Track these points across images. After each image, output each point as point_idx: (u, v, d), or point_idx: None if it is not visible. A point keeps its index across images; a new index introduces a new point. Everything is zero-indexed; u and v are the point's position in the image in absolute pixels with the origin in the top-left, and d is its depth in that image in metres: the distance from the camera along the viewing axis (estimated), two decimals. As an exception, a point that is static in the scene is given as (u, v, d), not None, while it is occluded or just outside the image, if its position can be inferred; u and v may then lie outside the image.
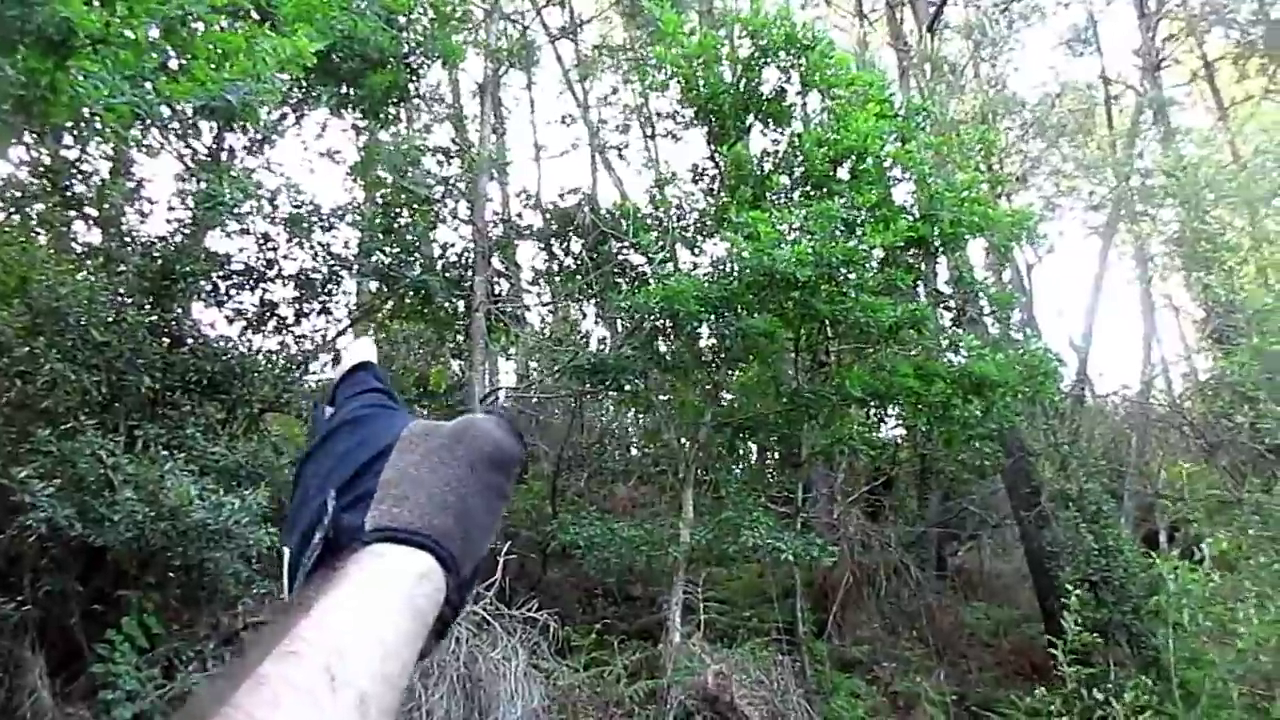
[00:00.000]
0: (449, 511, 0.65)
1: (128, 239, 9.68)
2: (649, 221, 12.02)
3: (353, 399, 0.80)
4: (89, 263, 9.52)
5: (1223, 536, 8.66)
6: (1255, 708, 7.65)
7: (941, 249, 11.28)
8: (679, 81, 10.89)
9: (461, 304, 12.04)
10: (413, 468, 0.67)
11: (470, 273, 11.99)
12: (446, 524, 0.64)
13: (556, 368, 12.60)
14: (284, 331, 11.15)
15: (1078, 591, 8.61)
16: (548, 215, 13.62)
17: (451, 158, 12.64)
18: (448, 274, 11.96)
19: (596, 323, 13.86)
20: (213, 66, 6.00)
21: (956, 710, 11.21)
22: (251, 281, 10.76)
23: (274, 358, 10.61)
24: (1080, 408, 16.59)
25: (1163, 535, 13.74)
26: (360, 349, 0.89)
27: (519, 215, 14.03)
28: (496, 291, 12.95)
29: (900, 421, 13.67)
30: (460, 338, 12.58)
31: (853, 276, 9.91)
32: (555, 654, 9.62)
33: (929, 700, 11.07)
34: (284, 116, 10.90)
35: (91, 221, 9.93)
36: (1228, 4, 19.01)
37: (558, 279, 13.30)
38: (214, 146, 10.34)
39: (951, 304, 12.96)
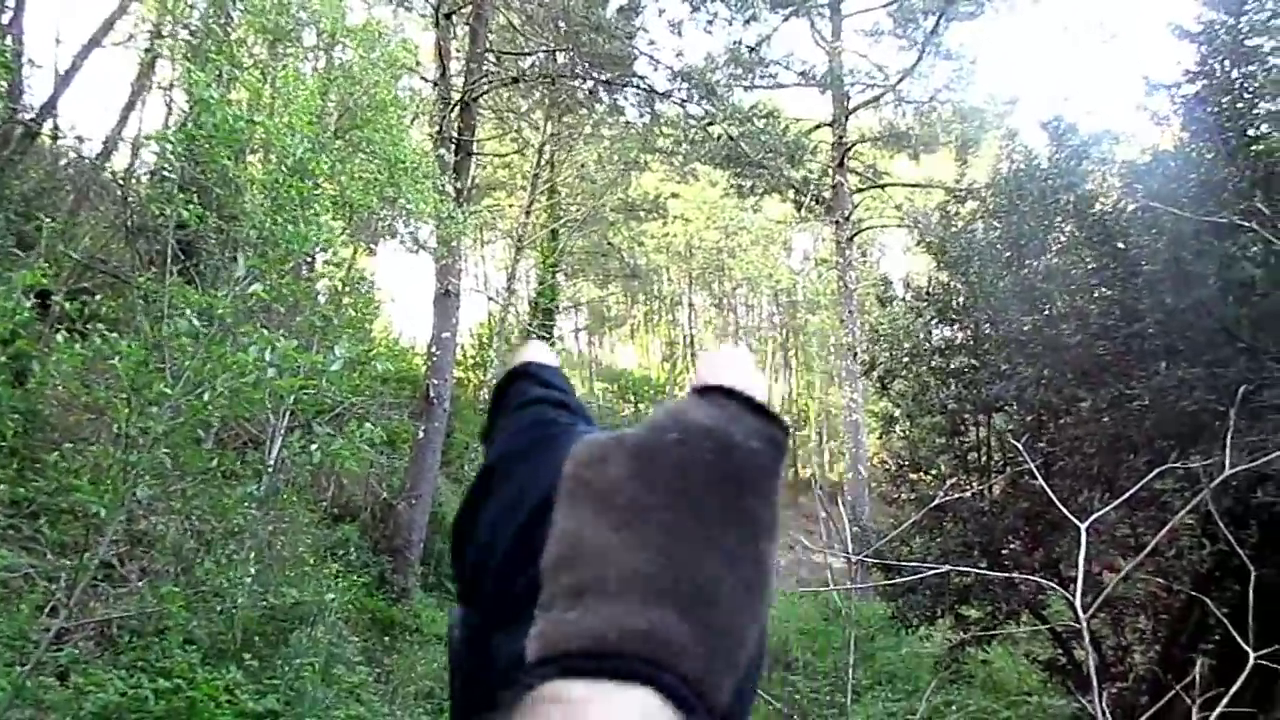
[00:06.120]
0: (663, 594, 0.35)
1: None
2: None
3: (510, 422, 0.50)
4: None
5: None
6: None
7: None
8: None
9: None
10: (589, 528, 0.38)
11: None
12: (662, 618, 0.34)
13: None
14: None
15: None
16: None
17: None
18: None
19: None
20: None
21: None
22: None
23: None
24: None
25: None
26: (528, 351, 0.56)
27: None
28: None
29: None
30: None
31: None
32: None
33: None
34: None
35: None
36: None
37: None
38: None
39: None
